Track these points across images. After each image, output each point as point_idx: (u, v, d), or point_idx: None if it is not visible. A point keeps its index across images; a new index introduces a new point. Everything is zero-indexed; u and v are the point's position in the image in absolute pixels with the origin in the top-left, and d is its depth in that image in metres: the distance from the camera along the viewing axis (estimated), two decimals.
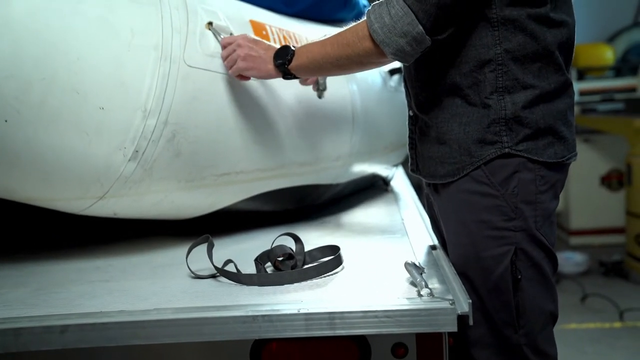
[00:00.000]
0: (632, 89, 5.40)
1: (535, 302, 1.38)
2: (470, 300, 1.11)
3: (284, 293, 1.23)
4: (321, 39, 1.47)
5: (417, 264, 1.27)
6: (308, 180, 1.82)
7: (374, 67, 1.47)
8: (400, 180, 2.54)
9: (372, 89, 2.05)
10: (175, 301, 1.20)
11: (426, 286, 1.15)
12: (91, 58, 1.32)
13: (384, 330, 1.09)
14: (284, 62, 1.47)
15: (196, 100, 1.45)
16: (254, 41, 1.52)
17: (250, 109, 1.58)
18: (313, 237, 1.66)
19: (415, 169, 1.55)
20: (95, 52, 1.32)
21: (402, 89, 2.42)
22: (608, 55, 5.65)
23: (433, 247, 1.50)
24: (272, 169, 1.67)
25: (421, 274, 1.21)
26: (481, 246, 1.38)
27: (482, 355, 1.40)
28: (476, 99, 1.37)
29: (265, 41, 1.55)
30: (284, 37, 1.74)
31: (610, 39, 5.91)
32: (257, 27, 1.67)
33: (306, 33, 1.90)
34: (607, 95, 5.35)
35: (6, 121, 1.28)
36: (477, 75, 1.35)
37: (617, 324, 3.72)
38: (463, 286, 1.19)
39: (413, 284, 1.21)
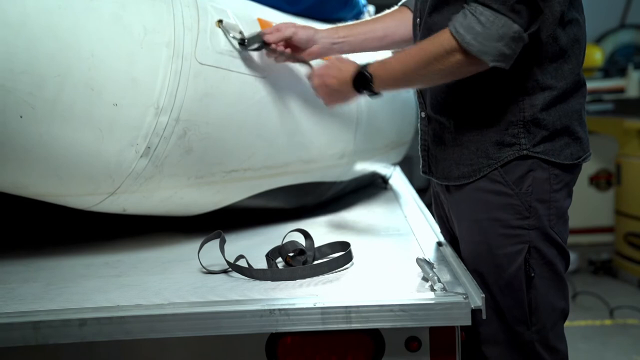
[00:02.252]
0: (621, 90, 5.46)
1: (548, 299, 1.40)
2: (483, 295, 1.13)
3: (298, 288, 1.24)
4: (397, 55, 1.43)
5: (428, 260, 1.29)
6: (313, 177, 1.83)
7: (467, 76, 1.37)
8: (398, 179, 2.57)
9: None
10: (188, 296, 1.22)
11: (439, 281, 1.17)
12: (104, 55, 1.33)
13: (399, 324, 1.11)
14: (368, 89, 1.47)
15: (207, 98, 1.46)
16: (327, 73, 1.53)
17: (258, 107, 1.59)
18: (319, 234, 1.67)
19: (427, 170, 1.55)
20: (108, 49, 1.33)
21: None
22: (597, 56, 5.71)
23: (439, 244, 1.53)
24: (279, 167, 1.68)
25: (432, 269, 1.24)
26: (495, 244, 1.39)
27: (494, 352, 1.42)
28: (496, 101, 1.38)
29: (333, 68, 1.53)
30: None
31: (597, 40, 5.97)
32: (265, 25, 1.68)
33: None
34: (596, 96, 5.40)
35: (21, 117, 1.28)
36: (498, 77, 1.35)
37: (608, 322, 3.77)
38: (474, 281, 1.22)
39: (425, 279, 1.23)
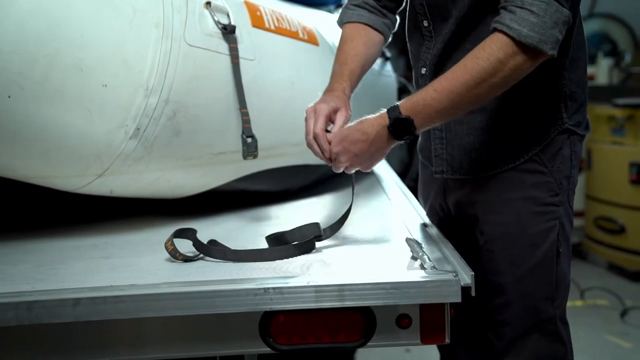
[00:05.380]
0: (590, 78, 5.56)
1: (565, 273, 1.45)
2: (473, 273, 1.16)
3: (291, 267, 1.26)
4: (434, 86, 1.27)
5: (416, 240, 1.32)
6: (299, 160, 1.85)
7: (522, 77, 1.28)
8: (379, 163, 2.58)
9: None
10: (182, 276, 1.22)
11: (429, 260, 1.20)
12: (94, 35, 1.32)
13: (391, 302, 1.14)
14: (411, 136, 1.30)
15: (196, 79, 1.46)
16: (349, 142, 1.32)
17: (245, 90, 1.59)
18: (305, 217, 1.70)
19: (444, 169, 1.50)
20: (98, 29, 1.33)
21: (385, 73, 2.47)
22: None
23: (425, 225, 1.55)
24: (266, 149, 1.69)
25: (421, 248, 1.27)
26: (528, 223, 1.41)
27: (514, 334, 1.44)
28: (537, 80, 1.35)
29: (352, 134, 1.32)
30: (277, 19, 1.76)
31: None
32: (252, 8, 1.69)
33: (297, 15, 1.92)
34: None
35: (9, 97, 1.27)
36: None
37: (579, 303, 3.86)
38: (462, 260, 1.24)
39: (414, 258, 1.26)
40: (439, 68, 1.45)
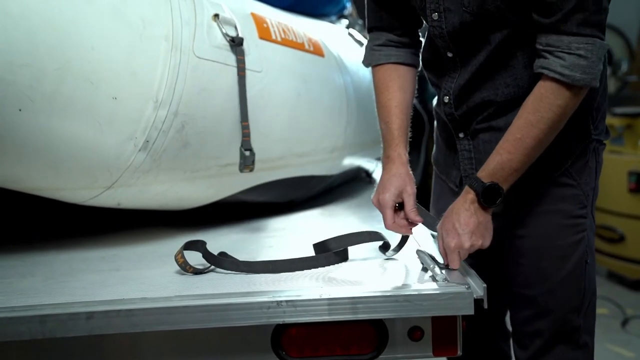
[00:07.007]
0: None
1: (592, 283, 1.46)
2: (485, 285, 1.16)
3: (303, 280, 1.25)
4: (506, 148, 1.29)
5: (427, 252, 1.32)
6: (305, 171, 1.85)
7: None
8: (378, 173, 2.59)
9: (362, 82, 2.09)
10: (193, 289, 1.22)
11: (441, 272, 1.20)
12: (104, 48, 1.33)
13: (404, 314, 1.14)
14: (502, 199, 1.31)
15: (205, 91, 1.47)
16: (458, 225, 1.30)
17: (253, 101, 1.59)
18: (312, 229, 1.70)
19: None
20: (108, 42, 1.33)
21: None
22: None
23: (434, 237, 1.55)
24: (272, 160, 1.69)
25: (433, 260, 1.27)
26: (558, 235, 1.42)
27: (542, 344, 1.45)
28: None
29: (455, 213, 1.31)
30: (283, 30, 1.77)
31: None
32: (258, 20, 1.69)
33: (302, 27, 1.93)
34: None
35: (20, 110, 1.27)
36: None
37: None
38: (474, 271, 1.25)
39: (425, 269, 1.26)
40: (464, 97, 1.44)
